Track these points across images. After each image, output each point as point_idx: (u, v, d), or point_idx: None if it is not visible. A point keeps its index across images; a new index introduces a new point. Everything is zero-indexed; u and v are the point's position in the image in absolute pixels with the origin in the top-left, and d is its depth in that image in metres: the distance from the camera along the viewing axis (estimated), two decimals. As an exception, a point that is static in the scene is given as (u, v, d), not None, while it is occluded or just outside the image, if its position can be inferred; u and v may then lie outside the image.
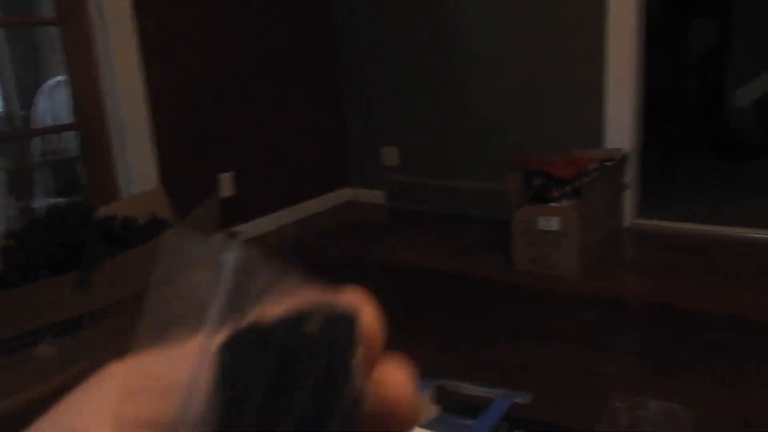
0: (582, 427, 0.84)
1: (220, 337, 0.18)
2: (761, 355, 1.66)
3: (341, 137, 3.46)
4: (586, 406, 1.44)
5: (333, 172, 3.46)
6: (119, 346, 1.23)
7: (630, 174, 2.69)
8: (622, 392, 0.95)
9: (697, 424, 0.74)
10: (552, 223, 2.28)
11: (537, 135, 2.84)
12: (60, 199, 3.11)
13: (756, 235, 2.51)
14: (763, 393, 1.49)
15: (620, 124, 2.64)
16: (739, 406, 1.44)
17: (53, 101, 3.24)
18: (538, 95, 2.82)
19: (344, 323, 0.18)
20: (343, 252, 2.72)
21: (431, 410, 0.95)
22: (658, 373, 1.61)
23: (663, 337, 1.82)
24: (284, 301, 0.18)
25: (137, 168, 2.50)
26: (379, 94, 3.28)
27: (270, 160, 3.09)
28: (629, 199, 2.73)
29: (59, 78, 3.17)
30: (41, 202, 3.07)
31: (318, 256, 2.71)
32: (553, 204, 2.37)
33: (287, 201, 3.19)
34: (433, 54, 3.06)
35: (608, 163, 2.48)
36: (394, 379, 0.19)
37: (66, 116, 3.03)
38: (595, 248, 2.41)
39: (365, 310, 0.19)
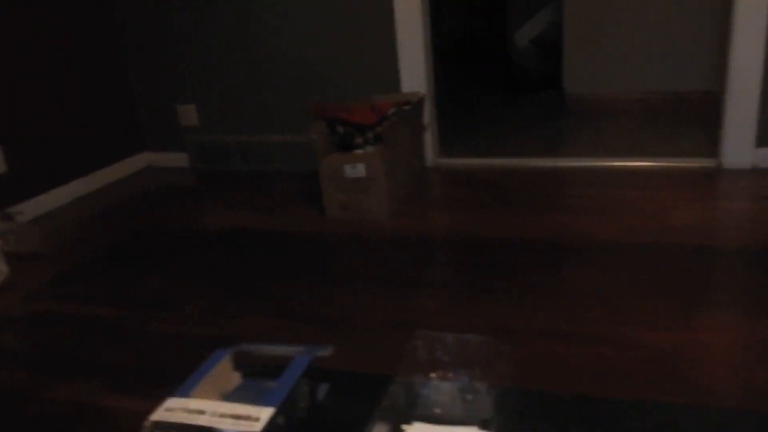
0: (388, 371, 0.85)
1: None
2: (549, 270, 1.83)
3: (129, 98, 3.19)
4: (401, 346, 1.49)
5: (125, 137, 3.19)
6: None
7: (428, 116, 2.79)
8: (426, 329, 0.99)
9: (492, 350, 0.78)
10: (358, 170, 2.30)
11: (336, 83, 2.84)
12: None
13: (538, 164, 2.75)
14: (548, 302, 1.64)
15: (414, 68, 2.72)
16: (525, 318, 1.58)
17: None
18: (334, 43, 2.80)
19: None
20: (148, 222, 2.54)
21: (233, 378, 0.91)
22: (466, 301, 1.71)
23: (469, 267, 1.93)
24: None
25: None
26: (168, 49, 3.06)
27: (47, 131, 2.76)
28: (430, 140, 2.84)
29: None
30: None
31: (121, 229, 2.49)
32: (357, 151, 2.39)
33: (77, 172, 2.89)
34: (222, 3, 2.90)
35: (407, 107, 2.54)
36: None
37: None
38: (401, 189, 2.48)
39: None
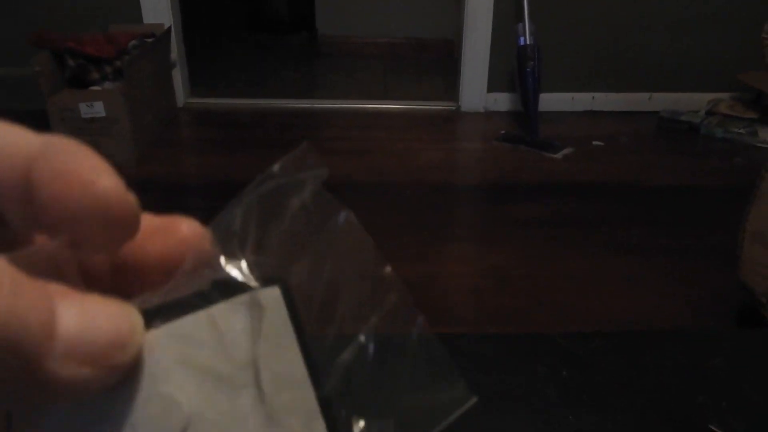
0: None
1: None
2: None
3: None
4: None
5: None
6: None
7: (176, 52, 2.58)
8: None
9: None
10: (96, 109, 2.05)
11: (65, 11, 2.47)
12: None
13: (293, 105, 2.72)
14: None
15: (158, -3, 2.47)
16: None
17: None
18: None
19: None
20: None
21: None
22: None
23: (220, 212, 1.85)
24: None
25: None
26: None
27: None
28: (180, 79, 2.64)
29: None
30: None
31: None
32: (94, 87, 2.13)
33: None
34: None
35: (149, 39, 2.32)
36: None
37: None
38: (149, 131, 2.28)
39: None
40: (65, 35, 2.11)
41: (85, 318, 0.13)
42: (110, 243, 0.15)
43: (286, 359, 0.16)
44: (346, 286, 0.18)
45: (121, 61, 2.14)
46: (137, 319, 0.14)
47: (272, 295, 0.16)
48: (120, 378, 0.14)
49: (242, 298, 0.16)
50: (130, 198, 0.15)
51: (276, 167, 0.17)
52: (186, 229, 0.18)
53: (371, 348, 0.18)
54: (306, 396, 0.16)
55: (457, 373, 0.18)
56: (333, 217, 0.18)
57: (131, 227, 0.15)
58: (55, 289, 0.13)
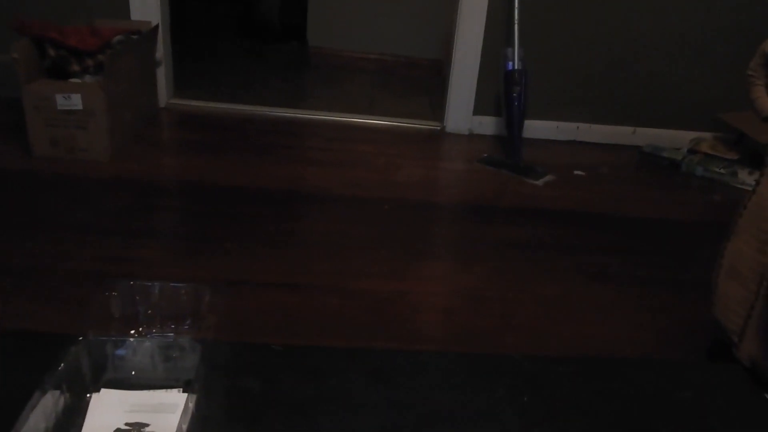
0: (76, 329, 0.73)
1: None
2: (283, 221, 1.80)
3: None
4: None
5: None
6: None
7: (162, 51, 2.54)
8: (128, 278, 0.88)
9: (200, 300, 0.71)
10: (73, 101, 2.00)
11: (49, 4, 2.43)
12: None
13: (279, 114, 2.70)
14: (279, 254, 1.62)
15: (147, -6, 2.44)
16: (255, 269, 1.54)
17: None
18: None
19: None
20: None
21: None
22: (191, 252, 1.60)
23: (197, 216, 1.81)
24: None
25: None
26: None
27: None
28: (164, 79, 2.60)
29: None
30: None
31: None
32: (74, 80, 2.08)
33: None
34: None
35: (135, 36, 2.28)
36: None
37: None
38: (128, 129, 2.24)
39: None
40: (48, 24, 2.07)
41: None
42: None
43: None
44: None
45: (103, 55, 2.10)
46: None
47: None
48: None
49: None
50: None
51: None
52: None
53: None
54: None
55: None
56: None
57: None
58: None
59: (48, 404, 0.54)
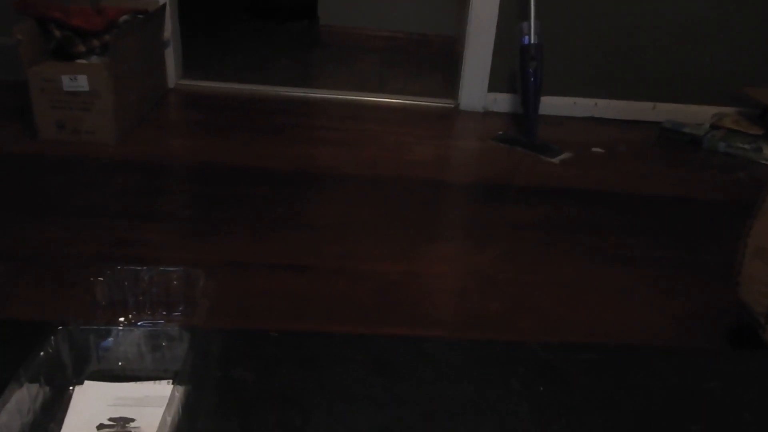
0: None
1: None
2: (292, 202, 1.76)
3: None
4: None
5: None
6: None
7: (170, 31, 2.50)
8: (116, 264, 0.85)
9: (192, 284, 0.68)
10: (80, 83, 1.97)
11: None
12: None
13: (289, 93, 2.65)
14: (287, 236, 1.58)
15: (153, -28, 2.39)
16: (262, 251, 1.50)
17: None
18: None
19: None
20: None
21: None
22: (198, 234, 1.57)
23: (205, 197, 1.78)
24: None
25: None
26: None
27: None
28: (173, 59, 2.56)
29: None
30: None
31: None
32: (79, 60, 2.05)
33: None
34: None
35: (142, 16, 2.24)
36: None
37: None
38: (135, 110, 2.21)
39: None
40: (51, 4, 2.03)
41: None
42: None
43: None
44: None
45: (110, 36, 2.06)
46: None
47: None
48: None
49: None
50: None
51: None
52: None
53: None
54: None
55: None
56: None
57: None
58: None
59: (24, 398, 0.51)
